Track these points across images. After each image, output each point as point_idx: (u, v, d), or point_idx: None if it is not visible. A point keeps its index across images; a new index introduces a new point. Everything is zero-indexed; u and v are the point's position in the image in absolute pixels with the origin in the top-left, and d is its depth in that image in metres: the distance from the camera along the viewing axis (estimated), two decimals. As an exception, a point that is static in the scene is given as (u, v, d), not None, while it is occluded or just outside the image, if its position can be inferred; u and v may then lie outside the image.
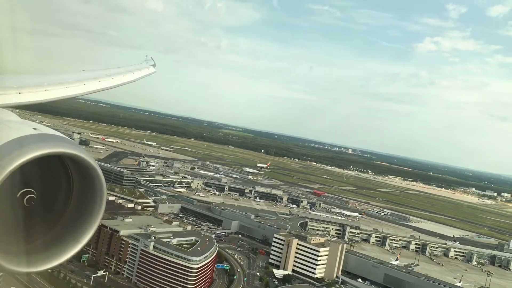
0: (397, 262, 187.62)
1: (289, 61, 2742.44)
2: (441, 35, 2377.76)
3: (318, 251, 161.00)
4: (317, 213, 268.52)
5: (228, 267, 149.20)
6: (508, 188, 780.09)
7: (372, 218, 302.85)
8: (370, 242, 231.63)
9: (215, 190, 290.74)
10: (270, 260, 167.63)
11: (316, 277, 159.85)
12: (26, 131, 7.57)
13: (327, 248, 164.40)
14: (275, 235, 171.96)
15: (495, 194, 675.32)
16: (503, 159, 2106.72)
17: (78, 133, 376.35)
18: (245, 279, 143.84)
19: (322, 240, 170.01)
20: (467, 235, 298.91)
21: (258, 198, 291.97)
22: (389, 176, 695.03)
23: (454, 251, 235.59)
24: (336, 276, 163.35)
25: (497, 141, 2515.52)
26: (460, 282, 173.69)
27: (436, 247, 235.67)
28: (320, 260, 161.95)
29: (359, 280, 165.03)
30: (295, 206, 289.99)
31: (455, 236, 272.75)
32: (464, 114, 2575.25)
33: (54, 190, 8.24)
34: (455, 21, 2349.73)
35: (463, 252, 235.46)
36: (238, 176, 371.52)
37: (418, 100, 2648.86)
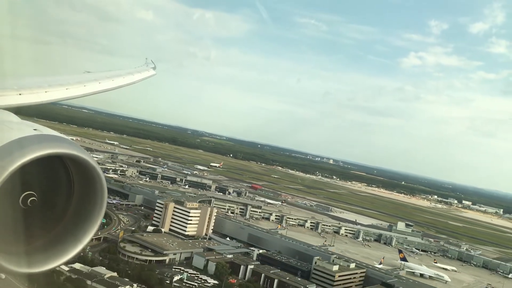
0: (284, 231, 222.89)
1: (278, 73, 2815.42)
2: (425, 51, 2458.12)
3: (189, 212, 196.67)
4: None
5: (105, 221, 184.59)
6: (480, 199, 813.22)
7: (294, 207, 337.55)
8: (270, 220, 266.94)
9: (148, 178, 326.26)
10: (153, 222, 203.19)
11: (188, 234, 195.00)
12: (27, 132, 7.69)
13: (199, 211, 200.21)
14: (158, 200, 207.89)
15: (455, 201, 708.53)
16: (488, 174, 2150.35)
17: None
18: (114, 228, 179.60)
19: (196, 205, 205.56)
20: (381, 224, 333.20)
21: (187, 186, 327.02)
22: (354, 182, 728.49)
23: (345, 229, 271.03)
24: (205, 234, 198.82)
25: (482, 156, 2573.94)
26: (380, 264, 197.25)
27: (329, 226, 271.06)
28: (191, 220, 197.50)
29: (227, 238, 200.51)
30: (221, 193, 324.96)
31: (356, 220, 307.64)
32: (451, 129, 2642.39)
33: (54, 191, 8.30)
34: (437, 37, 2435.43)
35: (352, 231, 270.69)
36: (189, 172, 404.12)
37: (404, 114, 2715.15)
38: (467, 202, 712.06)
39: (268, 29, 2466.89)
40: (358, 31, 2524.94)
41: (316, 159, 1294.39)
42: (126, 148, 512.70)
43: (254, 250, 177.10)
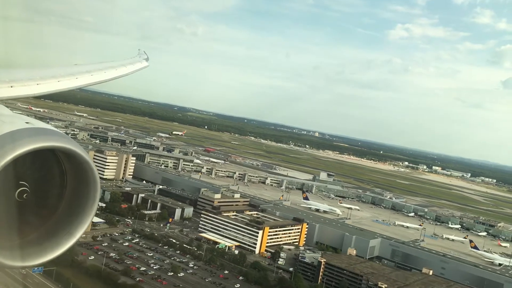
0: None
1: (266, 48, 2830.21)
2: (411, 22, 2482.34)
3: (106, 159, 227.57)
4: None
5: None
6: (459, 167, 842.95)
7: (238, 165, 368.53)
8: (201, 172, 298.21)
9: (98, 140, 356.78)
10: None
11: (106, 178, 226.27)
12: (19, 125, 7.71)
13: (116, 157, 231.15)
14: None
15: (425, 167, 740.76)
16: (475, 144, 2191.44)
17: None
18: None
19: (114, 153, 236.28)
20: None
21: (136, 147, 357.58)
22: (327, 150, 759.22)
23: (271, 179, 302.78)
24: (122, 177, 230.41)
25: (470, 127, 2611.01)
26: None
27: (256, 177, 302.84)
28: (108, 166, 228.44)
29: (144, 182, 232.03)
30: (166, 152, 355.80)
31: (288, 174, 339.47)
32: (439, 101, 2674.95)
33: (47, 184, 8.33)
34: (422, 8, 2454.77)
35: (277, 181, 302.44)
36: (155, 139, 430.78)
37: (393, 87, 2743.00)
38: (437, 168, 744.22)
39: (255, 4, 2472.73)
40: (344, 4, 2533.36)
41: (302, 132, 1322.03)
42: (93, 119, 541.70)
43: (156, 186, 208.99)
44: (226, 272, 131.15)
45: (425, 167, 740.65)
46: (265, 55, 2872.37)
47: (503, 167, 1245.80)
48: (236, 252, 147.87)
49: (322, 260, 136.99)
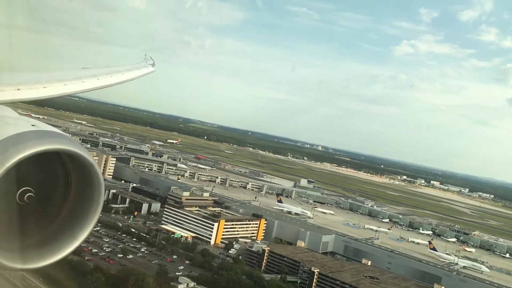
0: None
1: (272, 61, 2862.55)
2: (417, 38, 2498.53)
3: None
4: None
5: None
6: (461, 183, 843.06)
7: (226, 172, 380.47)
8: (185, 176, 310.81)
9: (89, 145, 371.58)
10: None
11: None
12: (24, 128, 7.73)
13: (96, 157, 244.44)
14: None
15: (423, 181, 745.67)
16: (481, 161, 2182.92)
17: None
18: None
19: (94, 154, 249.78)
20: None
21: (125, 151, 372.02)
22: (325, 163, 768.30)
23: (252, 184, 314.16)
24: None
25: (476, 144, 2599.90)
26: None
27: (237, 181, 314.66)
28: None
29: (123, 182, 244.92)
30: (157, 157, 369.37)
31: (271, 181, 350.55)
32: (444, 117, 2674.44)
33: (51, 187, 8.34)
34: (427, 25, 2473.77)
35: (258, 186, 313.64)
36: (149, 146, 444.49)
37: (398, 102, 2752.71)
38: (435, 182, 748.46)
39: (261, 18, 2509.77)
40: (350, 19, 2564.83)
41: (306, 146, 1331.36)
42: (91, 126, 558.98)
43: (129, 184, 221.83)
44: (174, 257, 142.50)
45: (423, 181, 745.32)
46: (271, 68, 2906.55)
47: (508, 184, 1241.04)
48: (192, 242, 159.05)
49: (266, 249, 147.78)
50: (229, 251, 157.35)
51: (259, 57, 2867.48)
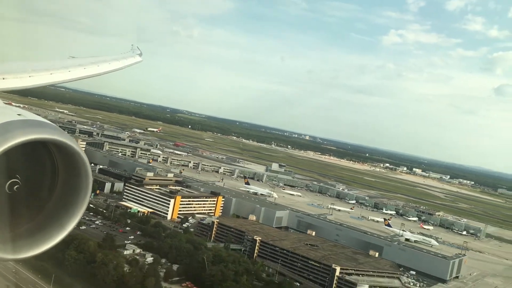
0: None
1: (262, 52, 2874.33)
2: (404, 28, 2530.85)
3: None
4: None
5: None
6: (452, 172, 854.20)
7: (204, 158, 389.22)
8: (158, 161, 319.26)
9: (66, 132, 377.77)
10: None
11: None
12: (11, 117, 7.61)
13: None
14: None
15: (405, 168, 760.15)
16: (468, 150, 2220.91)
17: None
18: None
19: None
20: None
21: (102, 138, 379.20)
22: (308, 151, 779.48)
23: (224, 169, 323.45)
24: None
25: (463, 133, 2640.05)
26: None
27: (210, 166, 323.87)
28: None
29: (92, 164, 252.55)
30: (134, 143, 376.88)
31: (245, 166, 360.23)
32: (432, 107, 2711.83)
33: (39, 177, 8.29)
34: (415, 14, 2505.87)
35: (230, 170, 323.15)
36: (129, 134, 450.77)
37: (386, 92, 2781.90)
38: (416, 170, 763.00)
39: (250, 7, 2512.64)
40: (339, 9, 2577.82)
41: (293, 135, 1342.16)
42: (72, 115, 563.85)
43: (97, 166, 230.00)
44: (127, 229, 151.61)
45: (405, 168, 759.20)
46: (260, 59, 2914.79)
47: (493, 172, 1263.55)
48: (147, 216, 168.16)
49: (216, 221, 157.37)
50: (183, 225, 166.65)
51: (248, 47, 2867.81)
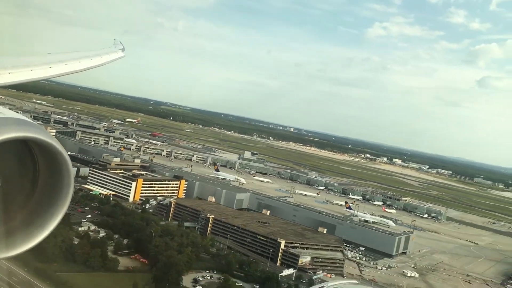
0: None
1: (248, 45, 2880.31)
2: (388, 21, 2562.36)
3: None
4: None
5: None
6: (433, 163, 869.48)
7: (179, 147, 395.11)
8: (131, 149, 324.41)
9: (40, 122, 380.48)
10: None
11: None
12: None
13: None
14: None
15: (385, 159, 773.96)
16: (453, 142, 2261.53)
17: None
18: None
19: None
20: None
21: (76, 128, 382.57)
22: (290, 142, 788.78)
23: (197, 157, 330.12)
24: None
25: (447, 125, 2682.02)
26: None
27: (183, 154, 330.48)
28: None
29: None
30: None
31: (219, 155, 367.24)
32: (417, 99, 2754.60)
33: (19, 176, 8.09)
34: (398, 7, 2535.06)
35: (203, 158, 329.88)
36: (106, 125, 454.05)
37: (372, 85, 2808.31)
38: (396, 160, 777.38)
39: (237, 0, 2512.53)
40: (325, 1, 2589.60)
41: (278, 127, 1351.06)
42: (50, 106, 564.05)
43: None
44: (86, 209, 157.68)
45: (385, 159, 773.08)
46: (247, 52, 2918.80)
47: (474, 163, 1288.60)
48: (107, 198, 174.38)
49: (173, 202, 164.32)
50: (144, 206, 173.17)
51: (235, 40, 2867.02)
